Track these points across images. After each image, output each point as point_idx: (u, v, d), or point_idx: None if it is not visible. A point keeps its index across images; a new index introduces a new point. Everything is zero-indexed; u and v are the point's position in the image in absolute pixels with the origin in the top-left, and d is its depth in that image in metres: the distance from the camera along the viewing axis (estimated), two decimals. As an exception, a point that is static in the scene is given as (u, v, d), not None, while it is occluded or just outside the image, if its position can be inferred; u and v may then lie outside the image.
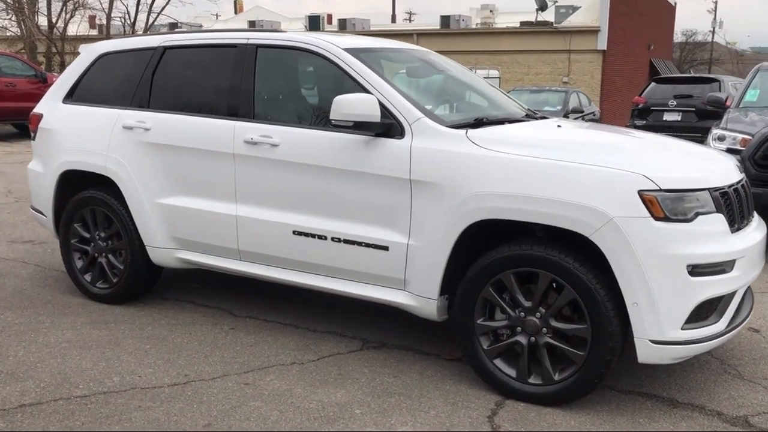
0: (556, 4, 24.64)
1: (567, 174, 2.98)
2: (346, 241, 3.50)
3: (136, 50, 4.37)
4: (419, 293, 3.36)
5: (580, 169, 2.97)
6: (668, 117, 11.43)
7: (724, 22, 58.40)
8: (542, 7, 23.55)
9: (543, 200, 2.98)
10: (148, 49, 4.31)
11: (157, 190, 4.09)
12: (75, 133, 4.41)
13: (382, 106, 3.37)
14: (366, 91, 3.48)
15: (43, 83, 14.24)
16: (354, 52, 3.68)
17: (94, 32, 28.96)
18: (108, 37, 23.03)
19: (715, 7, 56.93)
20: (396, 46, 4.27)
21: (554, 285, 3.05)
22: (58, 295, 4.62)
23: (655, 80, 12.47)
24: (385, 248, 3.40)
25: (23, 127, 15.30)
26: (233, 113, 3.86)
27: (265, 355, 3.68)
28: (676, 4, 38.44)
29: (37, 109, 4.75)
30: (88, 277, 4.52)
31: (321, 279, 3.67)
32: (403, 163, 3.31)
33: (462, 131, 3.32)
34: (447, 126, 3.36)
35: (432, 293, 3.31)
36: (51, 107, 4.64)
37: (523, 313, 3.12)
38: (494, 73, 22.96)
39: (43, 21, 22.94)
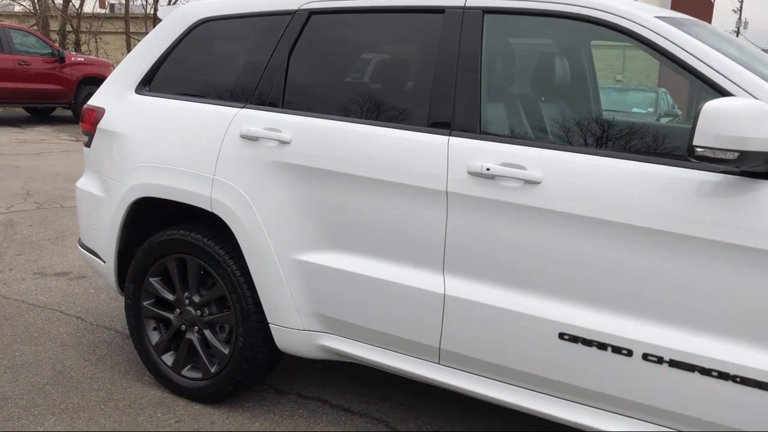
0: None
1: None
2: (676, 364, 1.96)
3: (258, 16, 2.80)
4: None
5: None
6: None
7: (749, 22, 56.72)
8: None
9: None
10: (279, 14, 2.74)
11: (299, 239, 2.55)
12: (158, 140, 2.86)
13: (770, 123, 1.82)
14: (728, 94, 1.94)
15: (60, 63, 12.69)
16: (676, 23, 2.13)
17: (104, 11, 27.29)
18: (127, 16, 21.42)
19: (741, 7, 55.25)
20: (671, 15, 2.69)
21: None
22: (120, 380, 3.09)
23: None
24: None
25: (36, 111, 13.76)
26: (441, 123, 2.32)
27: None
28: (714, 1, 36.76)
29: (95, 101, 3.19)
30: (168, 358, 2.98)
31: (611, 420, 2.12)
32: None
33: None
34: None
35: None
36: (116, 99, 3.09)
37: None
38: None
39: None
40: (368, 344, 2.54)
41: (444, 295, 2.29)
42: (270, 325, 2.67)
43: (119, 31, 20.51)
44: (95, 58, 15.54)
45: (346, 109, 2.53)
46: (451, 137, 2.28)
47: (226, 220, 2.65)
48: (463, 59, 2.31)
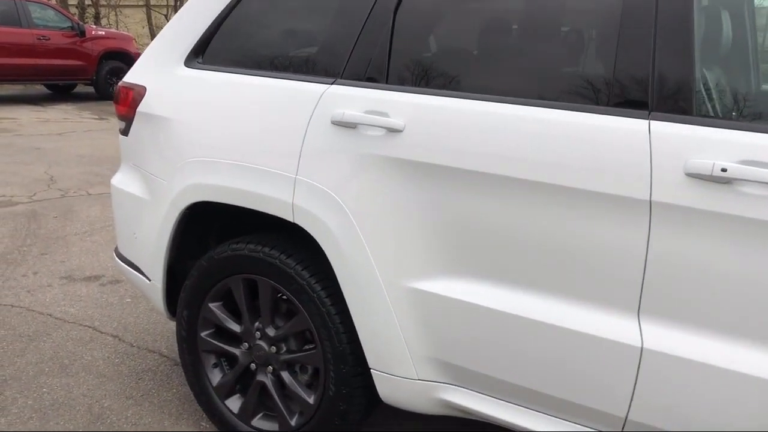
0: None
1: None
2: None
3: (349, -41, 2.11)
4: None
5: None
6: None
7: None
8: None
9: None
10: (380, -45, 2.05)
11: (416, 262, 1.88)
12: (218, 127, 2.19)
13: None
14: None
15: (80, 37, 12.06)
16: None
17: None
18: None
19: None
20: None
21: None
22: (172, 426, 2.47)
23: None
24: None
25: (57, 88, 13.18)
26: (634, 101, 1.62)
27: None
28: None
29: (133, 77, 2.53)
30: (233, 403, 2.35)
31: None
32: None
33: None
34: None
35: None
36: (160, 74, 2.42)
37: None
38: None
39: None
40: (513, 404, 1.88)
41: (641, 348, 1.61)
42: (372, 371, 2.02)
43: (139, 4, 19.83)
44: (116, 31, 14.90)
45: (483, 84, 1.84)
46: (651, 121, 1.58)
47: (314, 235, 1.99)
48: (665, 10, 1.60)
